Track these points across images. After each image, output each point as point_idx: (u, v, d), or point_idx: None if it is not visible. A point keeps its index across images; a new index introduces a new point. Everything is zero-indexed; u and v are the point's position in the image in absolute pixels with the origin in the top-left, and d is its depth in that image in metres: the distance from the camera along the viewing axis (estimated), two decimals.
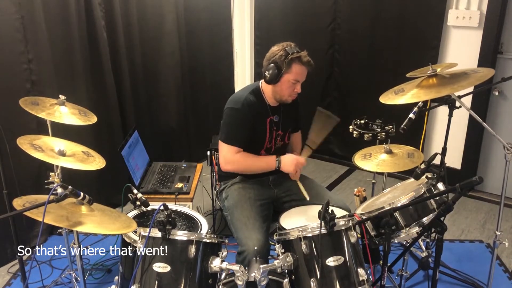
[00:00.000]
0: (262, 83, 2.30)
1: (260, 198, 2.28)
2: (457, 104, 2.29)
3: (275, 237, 1.83)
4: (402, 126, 2.23)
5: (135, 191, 2.08)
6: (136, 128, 3.13)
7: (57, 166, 2.23)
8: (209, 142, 3.01)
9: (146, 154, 3.17)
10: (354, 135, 2.64)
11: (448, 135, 2.54)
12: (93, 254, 2.83)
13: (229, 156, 2.23)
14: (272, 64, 2.16)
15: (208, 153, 2.86)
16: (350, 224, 1.71)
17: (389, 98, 2.00)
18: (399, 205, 1.79)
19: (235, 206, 2.24)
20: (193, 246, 1.66)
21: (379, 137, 2.58)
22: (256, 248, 1.95)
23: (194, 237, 1.68)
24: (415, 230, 1.82)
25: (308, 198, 2.23)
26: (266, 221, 2.19)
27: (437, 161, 1.91)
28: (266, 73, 2.19)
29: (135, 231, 1.70)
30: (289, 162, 2.23)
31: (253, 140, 2.27)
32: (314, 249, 1.67)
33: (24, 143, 1.93)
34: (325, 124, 2.37)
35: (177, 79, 3.88)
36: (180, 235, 1.68)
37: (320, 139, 2.36)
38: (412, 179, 1.93)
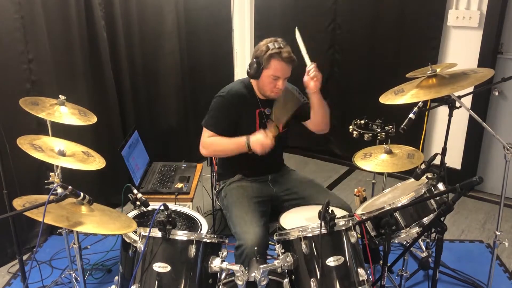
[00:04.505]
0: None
1: (258, 196, 2.29)
2: (457, 104, 2.29)
3: (275, 237, 1.83)
4: (402, 126, 2.23)
5: (135, 191, 2.08)
6: (136, 128, 3.14)
7: (57, 166, 2.23)
8: None
9: (146, 154, 3.17)
10: (354, 135, 2.64)
11: (448, 135, 2.54)
12: (93, 254, 2.85)
13: (203, 139, 2.28)
14: (255, 59, 2.19)
15: None
16: (350, 224, 1.71)
17: (388, 99, 1.99)
18: (399, 205, 1.79)
19: (233, 203, 2.25)
20: (193, 246, 1.66)
21: (379, 137, 2.58)
22: (256, 246, 1.95)
23: (194, 237, 1.68)
24: (415, 230, 1.82)
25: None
26: (264, 217, 2.19)
27: (437, 161, 1.91)
28: (248, 68, 2.22)
29: (135, 231, 1.70)
30: (256, 143, 2.14)
31: (242, 131, 2.26)
32: (314, 249, 1.67)
33: (24, 143, 1.93)
34: (289, 102, 2.25)
35: (177, 79, 3.88)
36: (180, 235, 1.68)
37: (285, 117, 2.22)
38: (412, 179, 1.93)
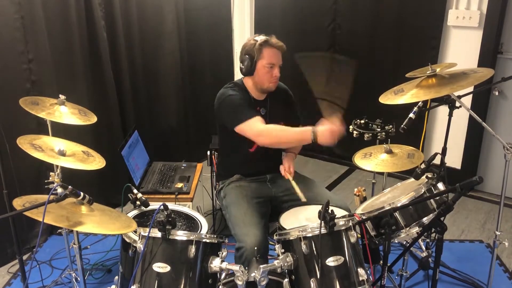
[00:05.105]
0: (244, 78, 2.34)
1: (257, 196, 2.28)
2: (457, 104, 2.29)
3: (275, 237, 1.83)
4: (402, 126, 2.23)
5: (135, 191, 2.08)
6: (136, 128, 3.14)
7: (57, 166, 2.23)
8: (209, 142, 3.01)
9: (146, 154, 3.17)
10: (354, 135, 2.64)
11: (448, 135, 2.54)
12: (93, 254, 2.85)
13: (258, 127, 2.11)
14: (246, 55, 2.22)
15: (208, 153, 2.86)
16: (350, 224, 1.71)
17: (388, 98, 2.00)
18: (399, 205, 1.79)
19: (232, 204, 2.24)
20: (193, 246, 1.66)
21: (379, 137, 2.58)
22: (256, 247, 1.95)
23: (194, 237, 1.68)
24: (415, 230, 1.82)
25: (304, 200, 2.15)
26: (264, 218, 2.19)
27: (437, 161, 1.91)
28: (241, 65, 2.24)
29: (135, 231, 1.70)
30: (326, 134, 1.98)
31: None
32: (314, 249, 1.67)
33: (24, 143, 1.93)
34: (345, 75, 2.20)
35: (177, 79, 3.88)
36: (180, 235, 1.68)
37: (347, 92, 2.10)
38: (412, 179, 1.93)
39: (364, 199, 2.23)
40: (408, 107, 2.10)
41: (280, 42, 2.23)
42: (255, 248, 1.94)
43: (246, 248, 1.96)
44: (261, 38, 2.21)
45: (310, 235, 1.68)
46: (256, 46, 2.19)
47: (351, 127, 2.68)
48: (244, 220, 2.11)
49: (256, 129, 2.11)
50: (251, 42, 2.23)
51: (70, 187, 1.54)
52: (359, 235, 1.80)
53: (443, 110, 3.20)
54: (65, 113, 2.24)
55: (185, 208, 2.18)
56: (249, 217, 2.12)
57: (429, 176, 1.89)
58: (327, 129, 1.98)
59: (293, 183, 2.23)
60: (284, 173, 2.32)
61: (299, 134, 2.09)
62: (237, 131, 2.17)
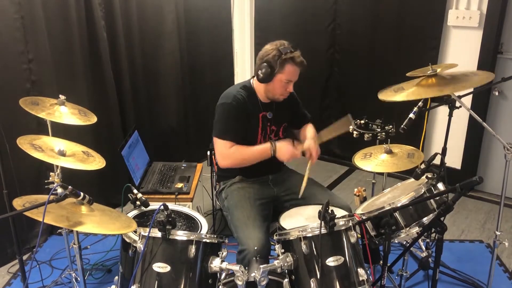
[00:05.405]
0: (254, 80, 2.30)
1: (260, 198, 2.28)
2: (457, 104, 2.29)
3: (275, 237, 1.83)
4: (402, 126, 2.23)
5: (135, 191, 2.08)
6: (136, 128, 3.14)
7: (57, 166, 2.23)
8: (209, 142, 3.00)
9: (146, 154, 3.17)
10: (354, 135, 2.64)
11: (448, 135, 2.54)
12: (93, 254, 2.85)
13: (224, 151, 2.20)
14: (265, 63, 2.15)
15: (208, 153, 2.86)
16: (350, 224, 1.71)
17: (387, 96, 1.98)
18: (399, 205, 1.79)
19: (235, 206, 2.23)
20: (193, 246, 1.66)
21: (379, 137, 2.58)
22: (256, 248, 1.95)
23: (194, 237, 1.68)
24: (415, 230, 1.82)
25: (299, 196, 2.21)
26: (266, 221, 2.19)
27: (437, 161, 1.91)
28: (259, 72, 2.18)
29: (135, 231, 1.70)
30: (284, 150, 2.18)
31: (246, 135, 2.26)
32: (314, 249, 1.67)
33: (24, 143, 1.93)
34: (340, 128, 2.32)
35: (177, 79, 3.88)
36: (180, 235, 1.68)
37: (327, 138, 2.32)
38: (412, 179, 1.93)
39: (364, 199, 2.23)
40: (408, 107, 2.10)
41: (304, 61, 2.17)
42: (258, 252, 1.93)
43: (249, 251, 1.95)
44: (285, 51, 2.13)
45: (310, 235, 1.68)
46: (280, 60, 2.12)
47: (351, 127, 2.68)
48: (247, 223, 2.10)
49: (226, 151, 2.20)
50: (274, 53, 2.13)
51: (70, 187, 1.54)
52: (359, 235, 1.80)
53: (443, 110, 3.20)
54: (65, 113, 2.24)
55: (185, 208, 2.18)
56: (252, 220, 2.11)
57: (429, 176, 1.89)
58: (288, 150, 2.18)
59: (306, 176, 2.24)
60: (311, 157, 2.27)
61: (261, 150, 2.22)
62: (214, 140, 2.23)
